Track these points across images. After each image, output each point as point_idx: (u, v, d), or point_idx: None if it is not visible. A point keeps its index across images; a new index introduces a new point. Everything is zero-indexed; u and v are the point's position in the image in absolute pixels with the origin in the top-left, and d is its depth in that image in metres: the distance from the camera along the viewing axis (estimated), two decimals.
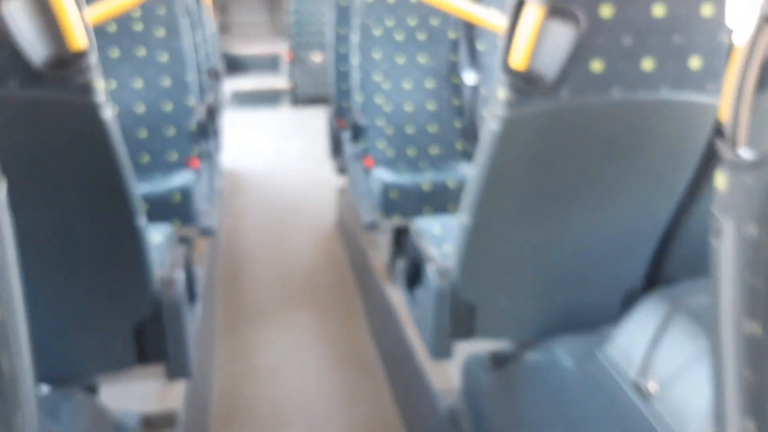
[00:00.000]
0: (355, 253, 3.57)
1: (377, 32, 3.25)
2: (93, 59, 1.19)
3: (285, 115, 6.89)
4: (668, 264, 1.77)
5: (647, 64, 1.37)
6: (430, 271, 1.77)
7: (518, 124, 1.41)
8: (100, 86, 1.22)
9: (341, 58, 3.99)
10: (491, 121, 1.43)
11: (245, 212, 4.55)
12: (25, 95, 1.15)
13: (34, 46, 1.12)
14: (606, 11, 1.32)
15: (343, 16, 3.97)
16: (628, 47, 1.35)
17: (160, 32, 2.96)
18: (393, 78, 3.28)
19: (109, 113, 1.24)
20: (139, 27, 2.94)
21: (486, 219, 1.57)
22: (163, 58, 2.97)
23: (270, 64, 7.33)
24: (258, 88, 7.01)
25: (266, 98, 7.03)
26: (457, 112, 3.32)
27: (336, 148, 3.90)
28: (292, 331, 3.07)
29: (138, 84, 2.96)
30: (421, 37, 3.28)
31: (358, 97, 3.26)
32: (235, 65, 7.25)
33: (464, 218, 1.59)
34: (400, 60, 3.29)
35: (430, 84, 3.31)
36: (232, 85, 6.99)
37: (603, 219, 1.64)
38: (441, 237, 2.07)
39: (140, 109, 2.95)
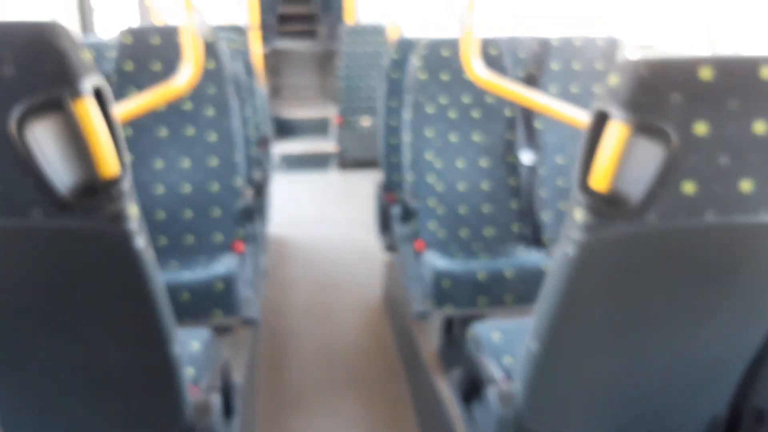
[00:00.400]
0: (402, 337, 3.40)
1: (430, 110, 3.15)
2: (126, 185, 1.08)
3: (333, 178, 6.84)
4: (757, 390, 1.56)
5: (746, 185, 1.20)
6: (492, 394, 1.59)
7: (597, 248, 1.24)
8: (134, 212, 1.11)
9: (391, 131, 3.90)
10: (566, 244, 1.27)
11: (290, 284, 4.43)
12: (51, 225, 1.05)
13: (60, 174, 1.02)
14: (700, 128, 1.16)
15: (393, 89, 3.90)
16: (724, 167, 1.19)
17: (210, 111, 2.92)
18: (446, 156, 3.16)
19: (141, 241, 1.13)
20: (188, 106, 2.90)
21: (558, 346, 1.39)
22: (212, 137, 2.92)
23: (319, 127, 7.34)
24: (306, 152, 7.00)
25: (314, 162, 7.01)
26: (513, 193, 3.16)
27: (384, 224, 3.77)
28: (336, 420, 2.90)
29: (185, 164, 2.90)
30: (476, 114, 3.16)
31: (409, 176, 3.14)
32: (285, 129, 7.29)
33: (533, 345, 1.41)
34: (454, 138, 3.17)
35: (484, 163, 3.18)
36: (281, 148, 7.00)
37: (689, 346, 1.44)
38: (501, 347, 1.89)
39: (187, 189, 2.89)
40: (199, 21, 2.10)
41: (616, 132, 1.16)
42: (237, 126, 2.95)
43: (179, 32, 2.91)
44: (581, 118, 2.29)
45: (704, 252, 1.29)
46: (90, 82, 1.02)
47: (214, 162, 2.91)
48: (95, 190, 1.05)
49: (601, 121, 1.21)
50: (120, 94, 2.84)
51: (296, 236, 5.38)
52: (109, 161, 1.04)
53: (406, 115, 3.16)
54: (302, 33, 10.70)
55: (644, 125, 1.15)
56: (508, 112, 3.18)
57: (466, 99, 3.15)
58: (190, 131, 2.90)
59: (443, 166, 3.16)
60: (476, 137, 3.18)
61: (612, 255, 1.27)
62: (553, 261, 1.33)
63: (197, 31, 2.09)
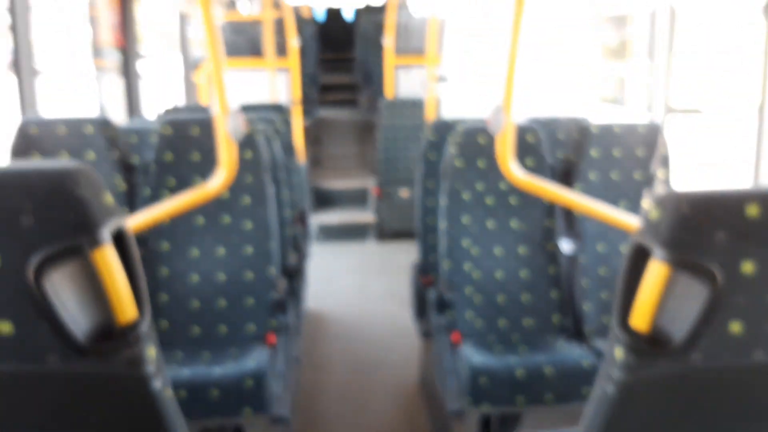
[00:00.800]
0: (439, 429, 3.27)
1: (466, 196, 3.11)
2: (145, 328, 1.05)
3: (370, 249, 6.82)
4: None
5: None
6: None
7: (638, 388, 1.16)
8: (152, 355, 1.08)
9: (428, 212, 3.87)
10: (605, 382, 1.19)
11: (324, 365, 4.36)
12: (66, 370, 1.02)
13: (77, 319, 1.00)
14: (747, 267, 1.09)
15: (430, 170, 3.88)
16: None
17: (246, 200, 2.94)
18: (483, 244, 3.10)
19: (160, 383, 1.09)
20: (225, 195, 2.93)
21: None
22: (248, 226, 2.92)
23: (358, 198, 7.39)
24: (344, 222, 7.03)
25: (353, 232, 7.02)
26: (553, 282, 3.07)
27: (420, 309, 3.70)
28: None
29: (220, 252, 2.91)
30: (514, 201, 3.11)
31: (444, 264, 3.08)
32: (324, 199, 7.36)
33: None
34: (491, 225, 3.11)
35: (523, 250, 3.10)
36: (319, 218, 7.04)
37: None
38: None
39: (221, 277, 2.88)
40: (235, 121, 2.12)
41: (657, 271, 1.09)
42: (273, 214, 2.96)
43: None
44: (623, 217, 2.22)
45: (752, 392, 1.19)
46: (110, 227, 1.01)
47: (248, 250, 2.90)
48: (112, 335, 1.02)
49: (639, 255, 1.14)
50: (159, 184, 2.89)
51: (333, 310, 5.33)
52: (127, 307, 1.02)
53: (442, 201, 3.13)
54: (343, 102, 10.93)
55: (687, 264, 1.08)
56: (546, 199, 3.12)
57: (503, 185, 3.11)
58: (226, 220, 2.92)
59: (480, 254, 3.09)
60: (514, 224, 3.12)
61: (654, 394, 1.18)
62: (590, 399, 1.25)
63: (232, 134, 2.11)
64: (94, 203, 0.99)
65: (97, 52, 4.50)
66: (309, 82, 7.92)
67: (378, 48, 7.77)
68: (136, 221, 2.10)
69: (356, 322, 5.12)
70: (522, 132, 3.09)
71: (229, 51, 7.10)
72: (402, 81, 7.12)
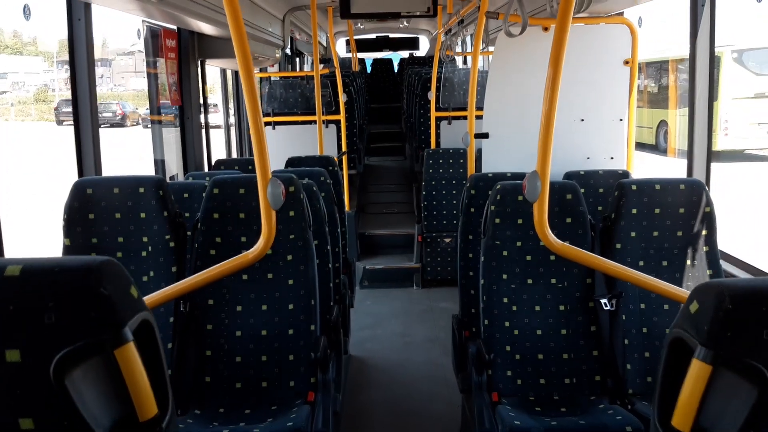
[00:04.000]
0: None
1: (506, 253, 3.01)
2: (166, 423, 1.00)
3: (414, 295, 6.72)
4: None
5: None
6: None
7: None
8: None
9: (469, 264, 3.77)
10: None
11: (365, 416, 4.25)
12: None
13: (98, 415, 0.95)
14: None
15: (471, 224, 3.80)
16: None
17: (289, 257, 2.91)
18: (523, 301, 2.98)
19: None
20: (268, 252, 2.90)
21: None
22: (290, 282, 2.89)
23: (402, 244, 7.33)
24: (389, 267, 6.96)
25: (397, 278, 6.94)
26: (594, 340, 2.92)
27: (460, 363, 3.58)
28: None
29: (263, 308, 2.87)
30: (554, 258, 3.00)
31: (484, 321, 2.97)
32: (370, 245, 7.32)
33: None
34: (531, 282, 3.00)
35: (563, 308, 2.97)
36: (365, 264, 7.00)
37: None
38: None
39: (263, 333, 2.84)
40: (274, 189, 2.10)
41: (698, 369, 0.99)
42: (314, 271, 2.92)
43: None
44: (666, 286, 2.09)
45: None
46: (135, 322, 0.97)
47: (291, 307, 2.86)
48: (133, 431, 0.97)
49: (679, 349, 1.04)
50: (206, 242, 2.89)
51: (375, 357, 5.23)
52: (148, 403, 0.97)
53: (483, 257, 3.04)
54: (389, 150, 10.97)
55: (732, 363, 0.97)
56: None
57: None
58: (269, 276, 2.89)
59: (520, 311, 2.98)
60: (554, 281, 3.00)
61: None
62: None
63: (271, 201, 2.09)
64: (119, 300, 0.95)
65: (155, 109, 4.62)
66: (357, 132, 7.99)
67: (421, 98, 7.80)
68: (181, 286, 2.09)
69: (398, 370, 5.00)
70: (561, 190, 2.99)
71: (282, 106, 7.23)
72: (445, 132, 7.10)
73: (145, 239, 2.87)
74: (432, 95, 6.92)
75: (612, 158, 4.09)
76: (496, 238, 3.00)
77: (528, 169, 3.91)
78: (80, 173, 3.41)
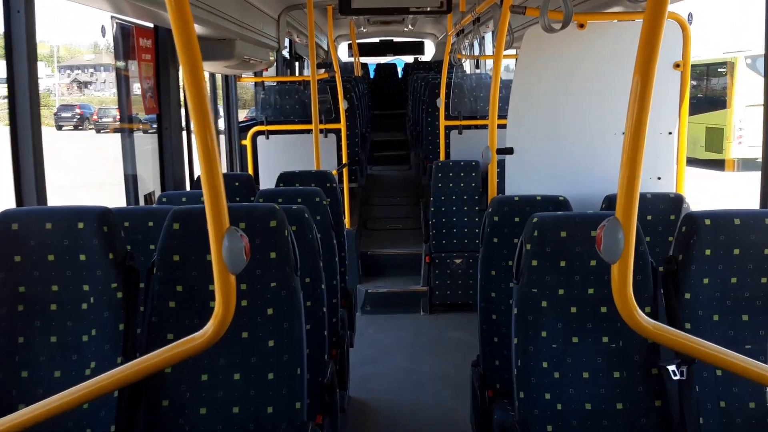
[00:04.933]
0: None
1: (545, 303, 2.36)
2: None
3: (421, 323, 6.06)
4: None
5: None
6: None
7: None
8: None
9: (492, 306, 3.13)
10: None
11: None
12: None
13: None
14: None
15: (493, 256, 3.16)
16: None
17: (270, 311, 2.26)
18: (567, 365, 2.33)
19: None
20: (243, 302, 2.26)
21: None
22: (271, 344, 2.24)
23: (408, 265, 6.68)
24: (392, 290, 6.30)
25: (402, 302, 6.29)
26: (660, 418, 2.27)
27: (483, 427, 2.93)
28: None
29: (236, 377, 2.22)
30: (606, 310, 2.34)
31: (518, 392, 2.32)
32: (372, 265, 6.67)
33: None
34: (577, 341, 2.34)
35: (619, 374, 2.32)
36: (366, 286, 6.35)
37: None
38: None
39: (235, 411, 2.19)
40: (233, 245, 1.44)
41: None
42: (302, 330, 2.27)
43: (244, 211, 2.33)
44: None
45: None
46: None
47: (271, 377, 2.21)
48: None
49: None
50: (164, 291, 2.24)
51: (378, 398, 4.57)
52: None
53: (515, 309, 2.39)
54: (394, 159, 10.32)
55: None
56: (648, 308, 2.34)
57: (591, 290, 2.35)
58: (244, 335, 2.24)
59: (563, 378, 2.32)
60: (606, 339, 2.35)
61: None
62: None
63: (229, 265, 1.44)
64: None
65: (125, 117, 3.98)
66: (359, 142, 7.34)
67: (428, 105, 7.15)
68: (115, 377, 1.45)
69: (404, 415, 4.35)
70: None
71: (278, 114, 6.59)
72: (455, 143, 6.45)
73: (85, 288, 2.22)
74: (441, 102, 6.28)
75: (659, 179, 3.44)
76: (533, 285, 2.35)
77: (561, 190, 3.27)
78: (18, 198, 2.77)
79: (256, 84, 6.72)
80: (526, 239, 2.37)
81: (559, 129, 3.39)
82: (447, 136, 6.46)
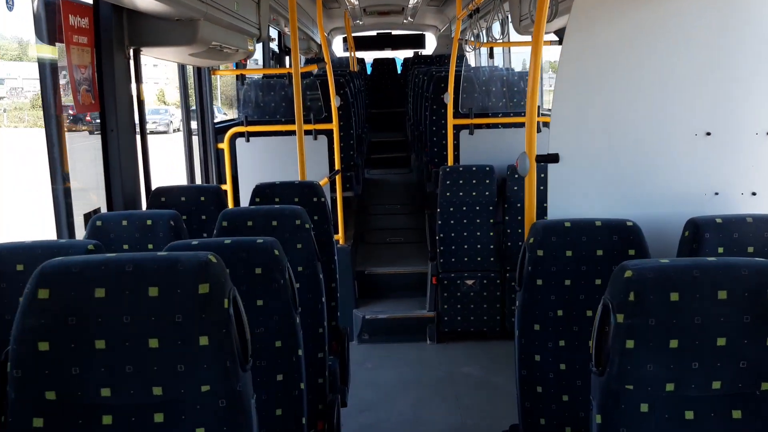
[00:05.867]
0: None
1: (645, 406, 1.47)
2: None
3: (427, 355, 5.17)
4: None
5: None
6: None
7: None
8: None
9: (535, 371, 2.26)
10: None
11: None
12: None
13: None
14: None
15: (534, 301, 2.29)
16: None
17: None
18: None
19: None
20: (157, 391, 1.38)
21: None
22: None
23: (412, 286, 5.78)
24: (394, 316, 5.41)
25: (405, 329, 5.40)
26: None
27: None
28: None
29: None
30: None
31: None
32: (370, 286, 5.77)
33: None
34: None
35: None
36: (364, 311, 5.45)
37: None
38: None
39: None
40: None
41: None
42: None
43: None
44: None
45: None
46: None
47: None
48: None
49: None
50: (25, 403, 1.35)
51: None
52: None
53: (598, 413, 1.50)
54: (393, 162, 9.42)
55: None
56: None
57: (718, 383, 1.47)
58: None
59: None
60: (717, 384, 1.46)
61: None
62: None
63: None
64: None
65: (51, 117, 3.07)
66: (355, 144, 6.43)
67: (433, 102, 6.25)
68: None
69: None
70: (713, 281, 1.47)
71: (261, 113, 5.69)
72: (466, 144, 5.54)
73: None
74: (449, 98, 5.37)
75: (754, 194, 2.55)
76: (627, 376, 1.47)
77: (626, 212, 2.38)
78: None
79: (237, 78, 5.82)
80: (619, 308, 1.47)
81: (622, 129, 2.50)
82: (455, 137, 5.56)
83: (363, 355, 5.13)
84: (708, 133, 2.50)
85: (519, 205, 5.20)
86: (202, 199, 3.67)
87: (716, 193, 2.53)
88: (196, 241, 2.13)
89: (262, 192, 3.49)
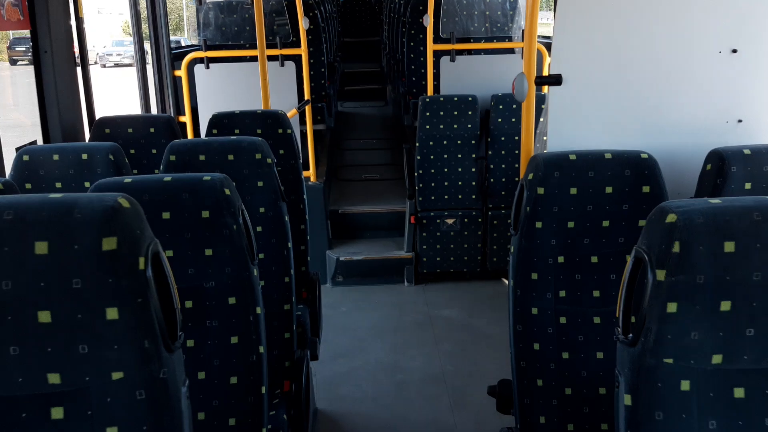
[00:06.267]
0: None
1: (687, 383, 1.18)
2: None
3: (405, 298, 4.91)
4: None
5: None
6: None
7: None
8: None
9: (530, 325, 1.98)
10: None
11: None
12: None
13: None
14: None
15: (531, 245, 1.98)
16: None
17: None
18: None
19: None
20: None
21: None
22: None
23: (387, 224, 5.46)
24: (370, 257, 5.11)
25: (381, 271, 5.11)
26: None
27: None
28: None
29: None
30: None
31: None
32: (344, 226, 5.43)
33: None
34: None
35: None
36: (338, 252, 5.14)
37: None
38: None
39: None
40: None
41: None
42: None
43: None
44: None
45: None
46: None
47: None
48: None
49: None
50: None
51: (354, 412, 3.45)
52: None
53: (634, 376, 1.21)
54: (369, 94, 8.95)
55: None
56: None
57: None
58: None
59: None
60: None
61: None
62: None
63: None
64: None
65: None
66: (326, 73, 5.95)
67: (411, 27, 5.77)
68: None
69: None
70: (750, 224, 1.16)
71: (222, 37, 5.17)
72: (447, 72, 5.12)
73: None
74: (429, 20, 4.91)
75: (740, 122, 2.23)
76: (667, 348, 1.16)
77: (638, 142, 2.05)
78: None
79: None
80: (656, 261, 1.15)
81: (635, 45, 2.14)
82: (435, 65, 5.13)
83: (337, 299, 4.85)
84: (734, 50, 2.15)
85: (503, 138, 4.85)
86: (152, 130, 3.25)
87: (740, 121, 2.20)
88: (129, 178, 1.75)
89: (220, 122, 3.08)
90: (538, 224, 1.95)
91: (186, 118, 4.67)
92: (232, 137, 2.51)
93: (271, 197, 2.42)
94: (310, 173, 4.99)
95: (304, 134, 4.95)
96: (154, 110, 4.92)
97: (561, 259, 1.96)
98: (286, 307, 2.43)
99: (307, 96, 4.88)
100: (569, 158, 1.95)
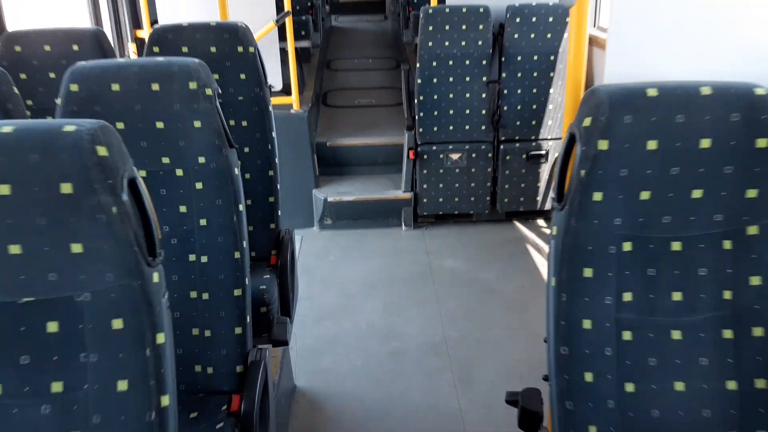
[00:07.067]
0: None
1: None
2: None
3: (402, 244, 4.29)
4: None
5: None
6: None
7: None
8: None
9: (575, 299, 1.36)
10: None
11: None
12: None
13: None
14: None
15: (580, 206, 1.32)
16: None
17: None
18: None
19: None
20: None
21: None
22: None
23: (383, 160, 4.77)
24: (362, 198, 4.45)
25: (374, 213, 4.47)
26: None
27: None
28: None
29: None
30: None
31: None
32: (333, 161, 4.75)
33: None
34: None
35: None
36: (326, 191, 4.49)
37: None
38: None
39: None
40: None
41: None
42: None
43: None
44: None
45: None
46: None
47: None
48: None
49: None
50: None
51: (341, 387, 2.90)
52: None
53: None
54: (364, 6, 8.03)
55: None
56: None
57: None
58: None
59: None
60: None
61: None
62: None
63: None
64: None
65: None
66: None
67: None
68: None
69: (381, 422, 2.71)
70: None
71: None
72: None
73: None
74: None
75: None
76: None
77: (724, 72, 1.34)
78: None
79: None
80: None
81: None
82: None
83: (324, 246, 4.24)
84: None
85: (519, 58, 4.09)
86: (76, 48, 2.53)
87: None
88: None
89: (163, 38, 2.37)
90: (597, 195, 1.28)
91: (145, 33, 3.92)
92: (158, 59, 1.79)
93: (212, 143, 1.75)
94: (293, 99, 4.27)
95: (285, 52, 4.20)
96: (106, 23, 4.16)
97: (628, 246, 1.31)
98: (236, 292, 1.80)
99: (287, 7, 4.08)
100: (647, 94, 1.26)
